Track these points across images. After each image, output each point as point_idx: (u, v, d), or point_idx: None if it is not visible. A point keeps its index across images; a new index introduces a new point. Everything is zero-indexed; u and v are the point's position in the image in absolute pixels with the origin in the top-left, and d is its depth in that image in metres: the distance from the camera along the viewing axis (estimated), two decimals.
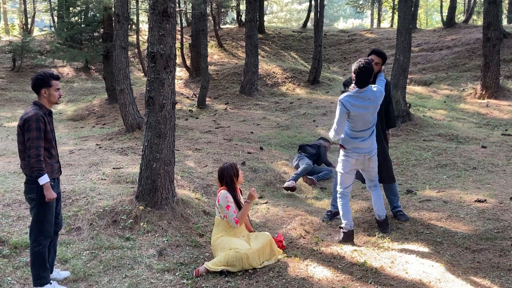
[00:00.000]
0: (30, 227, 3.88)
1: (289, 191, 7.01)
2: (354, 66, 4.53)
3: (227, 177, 4.69)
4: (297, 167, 7.77)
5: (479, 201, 5.69)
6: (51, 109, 3.96)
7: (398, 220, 5.26)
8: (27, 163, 3.73)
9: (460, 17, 28.02)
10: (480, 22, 25.25)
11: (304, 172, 7.41)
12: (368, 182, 5.12)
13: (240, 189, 4.90)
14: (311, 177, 7.48)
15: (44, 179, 3.71)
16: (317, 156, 8.02)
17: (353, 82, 4.59)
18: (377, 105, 4.68)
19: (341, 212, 4.91)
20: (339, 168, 4.91)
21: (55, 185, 3.94)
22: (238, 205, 4.65)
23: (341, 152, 4.86)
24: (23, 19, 28.42)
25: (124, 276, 4.24)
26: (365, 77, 4.49)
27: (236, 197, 4.66)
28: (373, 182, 5.05)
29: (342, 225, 4.87)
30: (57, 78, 3.89)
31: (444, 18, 23.71)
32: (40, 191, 3.73)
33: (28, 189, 3.81)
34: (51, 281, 3.93)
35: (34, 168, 3.68)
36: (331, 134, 4.78)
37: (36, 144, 3.68)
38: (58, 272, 4.18)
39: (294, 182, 7.05)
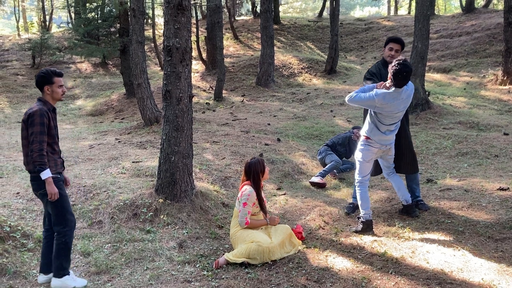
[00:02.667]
0: (52, 221, 3.90)
1: (315, 187, 6.93)
2: (393, 68, 4.38)
3: (254, 173, 4.65)
4: (322, 161, 7.65)
5: (501, 189, 5.59)
6: (55, 106, 3.97)
7: (418, 210, 5.20)
8: (30, 158, 3.72)
9: (479, 2, 27.36)
10: (500, 7, 24.64)
11: (333, 170, 7.26)
12: (385, 170, 5.15)
13: (262, 184, 4.89)
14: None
15: (46, 173, 3.70)
16: (347, 152, 7.75)
17: (392, 82, 4.46)
18: (409, 103, 4.70)
19: (359, 202, 4.89)
20: (358, 157, 4.89)
21: (61, 179, 3.95)
22: (260, 202, 4.64)
23: (363, 141, 4.83)
24: (41, 17, 28.78)
25: (145, 268, 4.30)
26: (406, 79, 4.42)
27: (259, 193, 4.65)
28: (390, 169, 5.13)
29: (360, 215, 4.86)
30: (59, 75, 3.90)
31: (463, 3, 23.17)
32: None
33: (36, 185, 3.80)
34: (70, 272, 3.97)
35: (36, 162, 3.67)
36: (347, 98, 4.71)
37: (40, 138, 3.69)
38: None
39: (322, 179, 6.98)
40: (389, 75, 4.47)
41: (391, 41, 5.11)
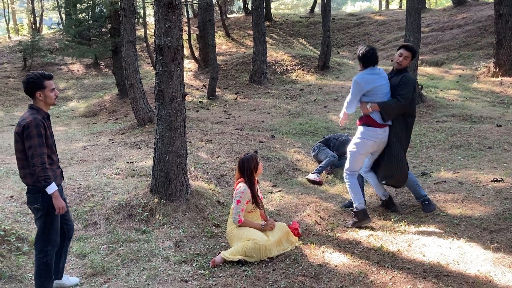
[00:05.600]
0: (36, 237, 3.72)
1: (313, 184, 6.92)
2: (358, 53, 4.74)
3: (247, 169, 4.62)
4: (316, 158, 7.63)
5: (495, 180, 5.61)
6: (49, 112, 3.76)
7: (414, 204, 5.21)
8: (31, 172, 3.53)
9: None
10: None
11: (330, 165, 7.24)
12: (364, 168, 5.15)
13: (257, 180, 4.88)
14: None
15: (52, 188, 3.53)
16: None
17: (361, 66, 4.76)
18: (391, 90, 4.78)
19: (352, 194, 4.90)
20: (352, 148, 4.87)
21: (60, 191, 3.75)
22: (255, 198, 4.62)
23: (361, 133, 4.80)
24: (32, 18, 28.57)
25: (142, 268, 4.28)
26: (372, 59, 4.70)
27: (254, 190, 4.63)
28: (368, 167, 5.17)
29: (353, 207, 4.86)
30: (49, 77, 3.65)
31: None
32: (47, 200, 3.56)
33: (33, 199, 3.61)
34: None
35: (40, 177, 3.48)
36: (346, 109, 4.89)
37: (39, 151, 3.47)
38: (68, 278, 4.07)
39: (319, 176, 6.98)
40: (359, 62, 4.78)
41: (403, 47, 5.00)
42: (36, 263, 3.69)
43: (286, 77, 16.62)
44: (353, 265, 3.99)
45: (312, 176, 6.94)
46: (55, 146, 3.80)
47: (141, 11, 21.95)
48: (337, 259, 4.13)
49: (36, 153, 3.46)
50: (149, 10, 28.27)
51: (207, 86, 15.36)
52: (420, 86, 10.94)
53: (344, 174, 5.00)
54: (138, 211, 5.24)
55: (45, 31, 29.57)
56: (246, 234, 4.44)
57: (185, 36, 18.98)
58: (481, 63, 14.79)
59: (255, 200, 4.61)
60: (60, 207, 3.58)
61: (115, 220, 5.12)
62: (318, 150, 7.58)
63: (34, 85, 3.59)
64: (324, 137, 7.92)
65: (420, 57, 14.42)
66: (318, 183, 6.87)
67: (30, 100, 3.71)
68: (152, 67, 20.23)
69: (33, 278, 3.85)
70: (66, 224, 3.93)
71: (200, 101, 14.41)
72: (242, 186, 4.58)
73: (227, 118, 11.15)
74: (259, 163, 4.72)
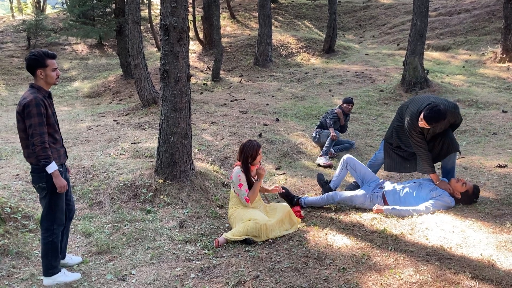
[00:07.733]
0: (42, 216, 3.71)
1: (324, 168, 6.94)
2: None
3: (244, 155, 4.65)
4: (319, 142, 7.65)
5: (500, 166, 5.61)
6: (50, 90, 3.69)
7: None
8: (32, 152, 3.51)
9: None
10: None
11: (333, 142, 7.28)
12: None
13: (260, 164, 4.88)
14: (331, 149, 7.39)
15: (52, 167, 3.50)
16: (338, 125, 7.72)
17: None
18: None
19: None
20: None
21: (63, 171, 3.75)
22: (250, 184, 4.65)
23: None
24: None
25: (146, 247, 4.33)
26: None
27: (249, 176, 4.65)
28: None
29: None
30: (52, 56, 3.60)
31: None
32: (50, 179, 3.55)
33: (37, 178, 3.60)
34: (60, 269, 3.81)
35: (40, 156, 3.46)
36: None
37: (39, 130, 3.44)
38: (71, 257, 4.09)
39: (327, 159, 6.99)
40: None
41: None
42: (42, 241, 3.70)
43: (291, 60, 16.52)
44: (356, 247, 4.01)
45: (321, 161, 6.95)
46: (58, 125, 3.77)
47: None
48: (340, 241, 4.16)
49: (36, 132, 3.43)
50: None
51: (211, 68, 15.30)
52: (426, 71, 10.86)
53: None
54: (142, 191, 5.28)
55: (49, 10, 29.32)
56: (247, 215, 4.47)
57: (189, 17, 18.83)
58: (488, 48, 14.64)
59: (250, 185, 4.65)
60: (61, 185, 3.56)
61: (120, 200, 5.16)
62: (318, 135, 7.62)
63: (35, 62, 3.54)
64: (317, 124, 7.93)
65: (427, 42, 14.26)
66: (329, 166, 6.87)
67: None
68: (156, 49, 20.13)
69: (40, 256, 3.87)
70: (68, 205, 3.92)
71: (204, 83, 14.37)
72: (236, 170, 4.63)
73: (231, 101, 11.13)
74: (259, 155, 4.70)
